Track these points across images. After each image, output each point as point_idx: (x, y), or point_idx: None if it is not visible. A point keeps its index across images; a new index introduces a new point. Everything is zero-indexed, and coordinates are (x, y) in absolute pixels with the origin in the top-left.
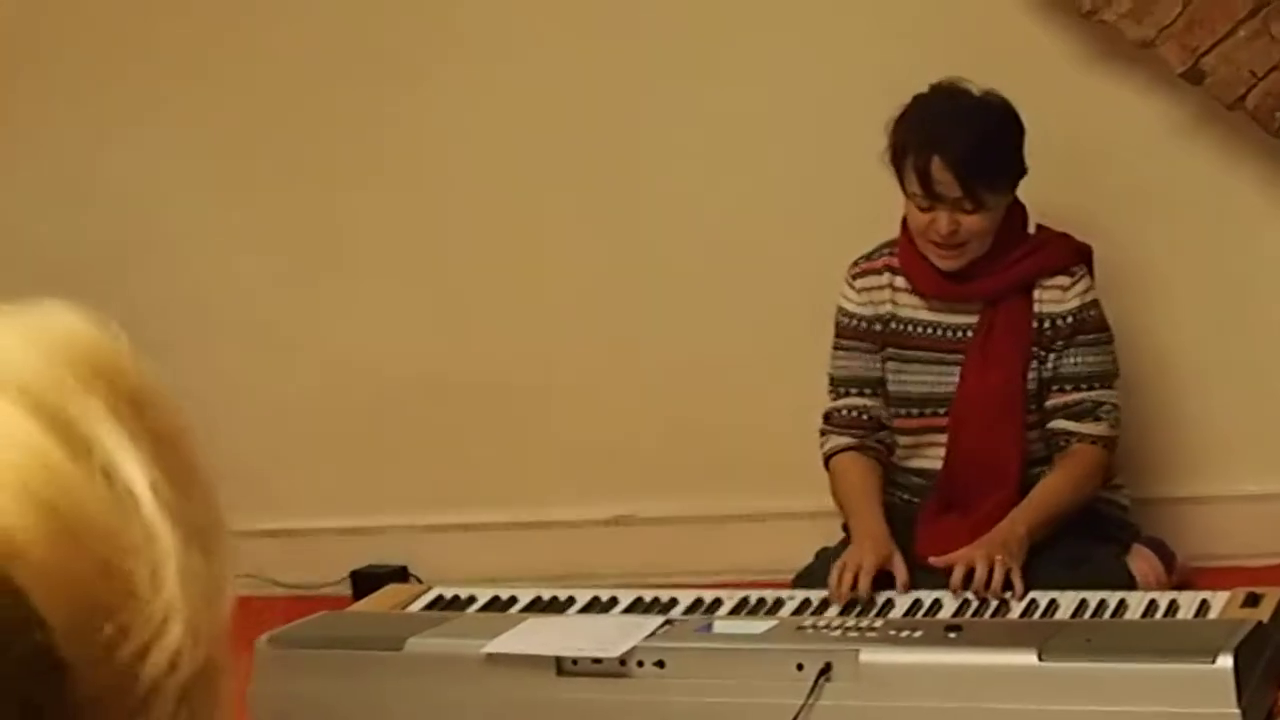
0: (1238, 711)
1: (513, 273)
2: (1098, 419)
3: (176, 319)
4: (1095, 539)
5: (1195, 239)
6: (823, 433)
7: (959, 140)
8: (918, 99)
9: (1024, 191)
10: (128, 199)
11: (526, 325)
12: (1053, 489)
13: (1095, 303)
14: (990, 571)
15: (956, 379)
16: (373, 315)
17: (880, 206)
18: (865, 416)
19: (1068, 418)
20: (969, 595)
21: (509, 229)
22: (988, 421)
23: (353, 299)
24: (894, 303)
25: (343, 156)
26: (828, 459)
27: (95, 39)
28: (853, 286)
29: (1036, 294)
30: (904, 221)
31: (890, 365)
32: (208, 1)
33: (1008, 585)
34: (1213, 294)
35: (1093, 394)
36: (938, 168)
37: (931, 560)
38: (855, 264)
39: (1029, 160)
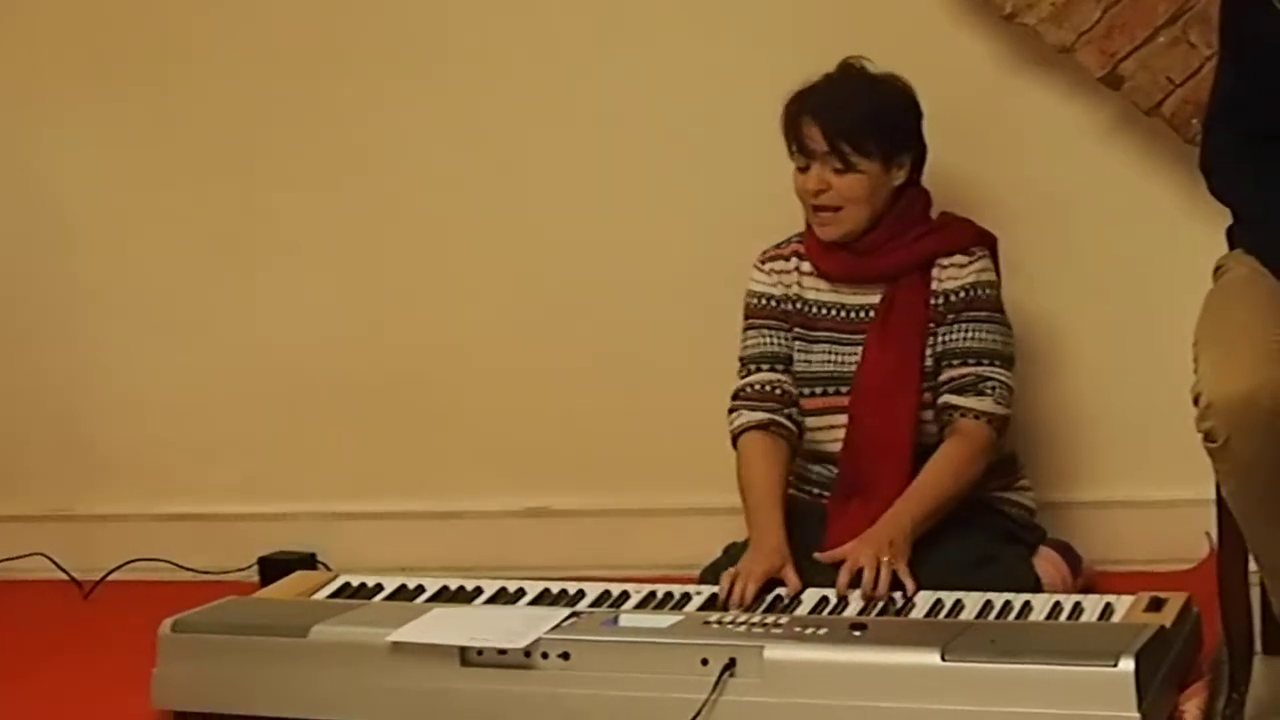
0: (1138, 715)
1: (428, 263)
2: (981, 394)
3: (90, 304)
4: (1002, 539)
5: (1109, 244)
6: (731, 410)
7: (828, 100)
8: (811, 79)
9: (941, 191)
10: (42, 186)
11: (441, 315)
12: (936, 476)
13: (992, 284)
14: (877, 573)
15: (859, 358)
16: (288, 302)
17: (791, 206)
18: (777, 391)
19: (952, 392)
20: (858, 597)
21: (425, 219)
22: (883, 398)
23: (268, 286)
24: (800, 285)
25: (258, 146)
26: (736, 437)
27: (5, 26)
28: (761, 270)
29: (935, 272)
30: None
31: (797, 345)
32: None
33: (898, 584)
34: (1125, 299)
35: (980, 369)
36: (807, 124)
37: (817, 556)
38: (764, 253)
39: (950, 162)
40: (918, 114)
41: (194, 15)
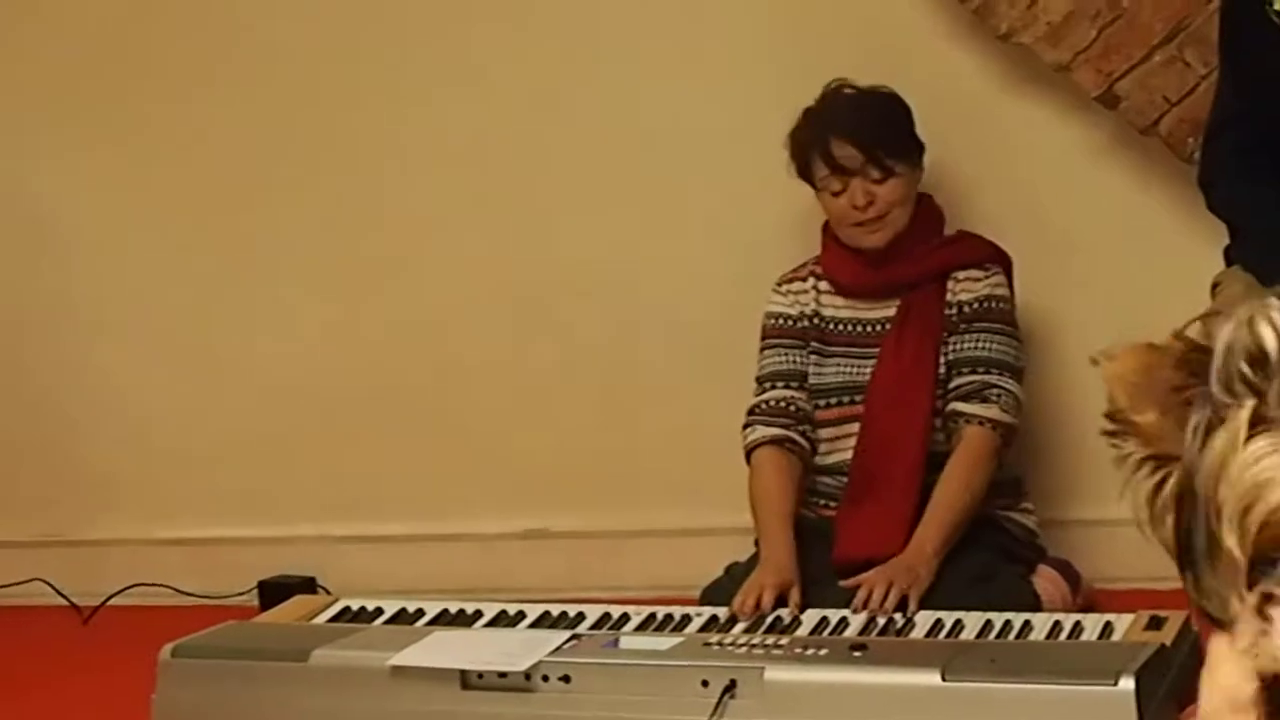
0: None
1: (428, 285)
2: (986, 400)
3: (88, 328)
4: (1003, 556)
5: (1106, 262)
6: (747, 425)
7: (849, 116)
8: (807, 109)
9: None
10: (40, 209)
11: (440, 338)
12: (949, 494)
13: (1006, 299)
14: (887, 593)
15: (873, 368)
16: (286, 325)
17: (793, 229)
18: (792, 407)
19: (959, 399)
20: (868, 614)
21: (422, 240)
22: (897, 402)
23: (266, 308)
24: (818, 303)
25: (258, 168)
26: (750, 451)
27: (6, 47)
28: (779, 292)
29: (950, 285)
30: (824, 229)
31: (813, 359)
32: (120, 7)
33: (903, 605)
34: (1122, 317)
35: (988, 377)
36: (837, 145)
37: (842, 583)
38: (780, 277)
39: (946, 181)
40: (910, 114)
41: (198, 39)
